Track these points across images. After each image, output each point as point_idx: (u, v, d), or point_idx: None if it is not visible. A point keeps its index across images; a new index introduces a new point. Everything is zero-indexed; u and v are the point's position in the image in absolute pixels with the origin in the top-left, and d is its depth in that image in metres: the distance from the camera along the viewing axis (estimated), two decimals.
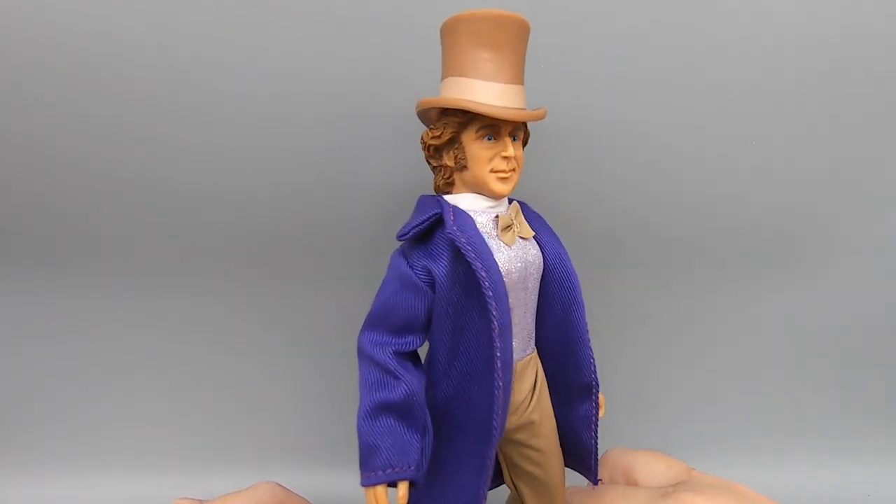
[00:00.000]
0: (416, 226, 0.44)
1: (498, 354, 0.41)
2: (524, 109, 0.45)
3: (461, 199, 0.46)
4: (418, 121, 0.51)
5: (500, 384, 0.41)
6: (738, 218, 0.71)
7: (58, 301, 0.69)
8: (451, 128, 0.45)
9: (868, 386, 0.80)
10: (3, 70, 0.58)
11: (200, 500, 0.44)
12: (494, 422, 0.41)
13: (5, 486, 0.71)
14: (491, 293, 0.41)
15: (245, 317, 0.71)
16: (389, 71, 0.61)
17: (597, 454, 0.49)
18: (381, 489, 0.40)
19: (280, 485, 0.47)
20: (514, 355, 0.46)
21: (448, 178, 0.47)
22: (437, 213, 0.44)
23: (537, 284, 0.47)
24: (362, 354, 0.43)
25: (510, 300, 0.44)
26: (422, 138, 0.47)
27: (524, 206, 0.51)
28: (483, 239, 0.44)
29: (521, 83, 0.46)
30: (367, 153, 0.63)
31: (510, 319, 0.43)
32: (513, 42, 0.44)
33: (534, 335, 0.49)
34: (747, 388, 0.79)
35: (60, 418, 0.72)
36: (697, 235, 0.71)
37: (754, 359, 0.78)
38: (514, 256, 0.45)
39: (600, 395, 0.50)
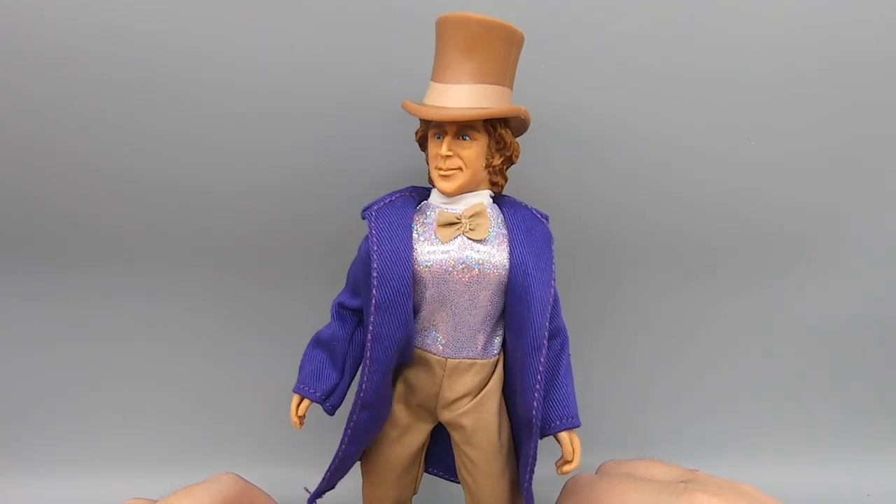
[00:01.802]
0: (366, 209, 0.49)
1: (371, 328, 0.45)
2: (477, 109, 0.45)
3: (432, 193, 0.50)
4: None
5: (370, 355, 0.45)
6: (738, 219, 0.71)
7: (52, 301, 0.69)
8: (422, 126, 0.50)
9: (868, 386, 0.79)
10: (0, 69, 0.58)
11: (153, 501, 0.44)
12: (360, 388, 0.47)
13: (5, 485, 0.71)
14: (377, 273, 0.44)
15: (244, 318, 0.72)
16: (388, 66, 0.61)
17: (531, 498, 0.48)
18: (295, 397, 0.50)
19: (239, 476, 0.48)
20: (441, 350, 0.48)
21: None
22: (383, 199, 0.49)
23: (485, 291, 0.47)
24: None
25: (434, 295, 0.46)
26: None
27: (520, 210, 0.50)
28: (408, 226, 0.47)
29: (491, 83, 0.45)
30: (363, 151, 0.64)
31: (399, 302, 0.45)
32: (473, 42, 0.44)
33: (486, 342, 0.49)
34: (747, 388, 0.79)
35: (58, 418, 0.72)
36: (698, 236, 0.71)
37: (754, 359, 0.78)
38: (441, 251, 0.46)
39: (576, 440, 0.48)
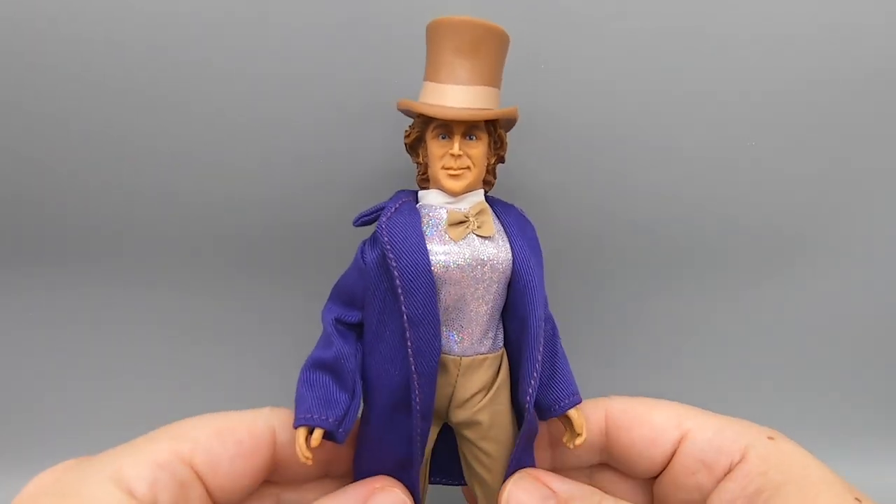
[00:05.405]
0: (362, 216, 0.49)
1: (409, 343, 0.44)
2: (486, 110, 0.46)
3: (428, 195, 0.50)
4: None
5: (415, 370, 0.44)
6: (736, 219, 0.71)
7: (51, 302, 0.71)
8: (417, 128, 0.50)
9: (868, 386, 0.80)
10: (3, 72, 0.58)
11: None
12: (414, 402, 0.45)
13: (6, 485, 0.71)
14: (401, 288, 0.44)
15: (246, 318, 0.73)
16: (382, 70, 0.62)
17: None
18: (301, 431, 0.44)
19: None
20: (457, 349, 0.48)
21: (423, 174, 0.51)
22: (382, 206, 0.48)
23: (496, 285, 0.48)
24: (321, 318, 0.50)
25: (450, 294, 0.46)
26: None
27: (510, 210, 0.52)
28: (420, 232, 0.46)
29: (488, 84, 0.47)
30: (361, 153, 0.64)
31: (429, 312, 0.45)
32: (475, 45, 0.46)
33: (494, 336, 0.50)
34: (746, 388, 0.79)
35: (59, 418, 0.73)
36: (696, 237, 0.71)
37: (753, 359, 0.78)
38: (457, 251, 0.46)
39: (581, 414, 0.49)
